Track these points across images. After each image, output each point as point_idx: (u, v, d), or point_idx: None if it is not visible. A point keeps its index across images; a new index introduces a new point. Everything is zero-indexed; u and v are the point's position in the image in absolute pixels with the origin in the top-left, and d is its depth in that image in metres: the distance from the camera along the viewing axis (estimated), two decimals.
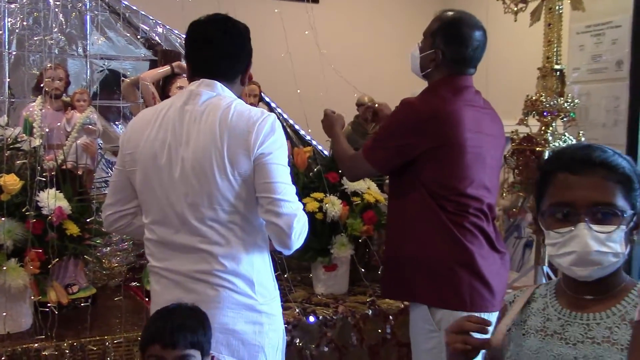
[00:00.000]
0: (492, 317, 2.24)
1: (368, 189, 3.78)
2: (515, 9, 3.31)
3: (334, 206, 3.71)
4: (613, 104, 3.27)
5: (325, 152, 4.32)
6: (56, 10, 3.84)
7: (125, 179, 2.05)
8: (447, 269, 2.21)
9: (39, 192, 2.97)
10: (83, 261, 3.34)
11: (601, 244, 1.26)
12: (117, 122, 4.19)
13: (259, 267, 1.98)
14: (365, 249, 3.93)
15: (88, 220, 3.04)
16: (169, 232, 1.95)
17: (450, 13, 2.30)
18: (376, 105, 2.90)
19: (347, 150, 2.50)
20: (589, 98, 3.35)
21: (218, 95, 1.97)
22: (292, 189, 1.95)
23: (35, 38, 3.93)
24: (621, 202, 1.28)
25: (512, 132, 3.15)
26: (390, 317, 3.37)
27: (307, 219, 1.96)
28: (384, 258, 2.44)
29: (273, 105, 4.45)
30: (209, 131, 1.89)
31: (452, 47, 2.27)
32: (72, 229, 3.05)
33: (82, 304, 3.20)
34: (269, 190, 1.89)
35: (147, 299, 3.43)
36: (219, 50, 1.99)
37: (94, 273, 3.73)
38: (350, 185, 3.70)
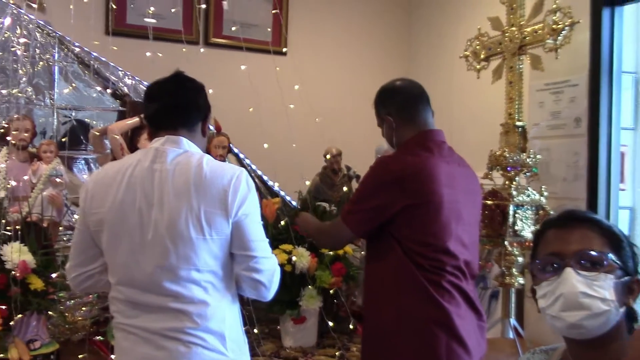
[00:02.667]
0: None
1: None
2: (478, 67, 3.42)
3: (303, 258, 3.73)
4: (572, 159, 3.37)
5: (294, 203, 4.35)
6: (25, 59, 3.82)
7: (89, 239, 2.01)
8: (425, 330, 2.20)
9: (2, 246, 2.92)
10: (46, 316, 3.25)
11: (588, 287, 1.27)
12: (84, 174, 4.15)
13: (230, 323, 1.96)
14: (334, 300, 3.92)
15: (53, 275, 2.97)
16: (138, 292, 1.91)
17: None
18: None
19: (323, 224, 2.52)
20: (549, 153, 3.45)
21: (185, 152, 1.96)
22: (267, 244, 1.97)
23: (1, 89, 3.90)
24: (608, 252, 1.31)
25: (480, 185, 3.21)
26: None
27: (280, 270, 2.00)
28: (364, 326, 2.40)
29: (242, 156, 4.48)
30: (182, 192, 1.88)
31: (391, 102, 2.31)
32: (37, 283, 2.99)
33: None
34: (250, 249, 1.90)
35: (112, 355, 3.36)
36: (174, 99, 2.01)
37: (56, 327, 3.64)
38: None
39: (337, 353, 3.43)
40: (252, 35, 5.18)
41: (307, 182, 4.25)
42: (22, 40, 3.83)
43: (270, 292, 1.95)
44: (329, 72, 5.64)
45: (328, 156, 4.60)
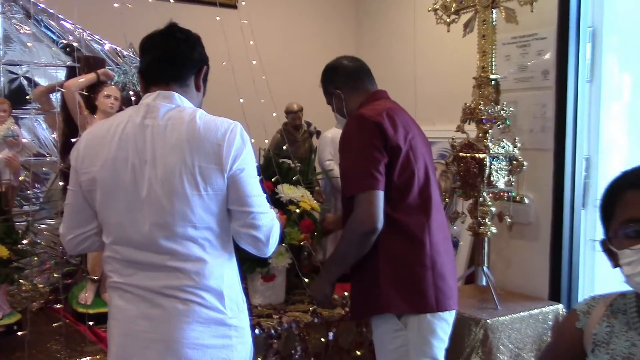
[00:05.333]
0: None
1: (302, 196, 3.76)
2: (448, 20, 3.41)
3: None
4: (540, 111, 3.45)
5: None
6: None
7: (82, 201, 1.93)
8: (412, 273, 2.29)
9: None
10: (9, 284, 3.08)
11: None
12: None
13: (228, 281, 1.94)
14: (298, 256, 3.92)
15: (24, 241, 2.80)
16: (134, 251, 1.86)
17: None
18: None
19: (345, 227, 2.37)
20: (516, 105, 3.52)
21: (177, 107, 1.89)
22: (265, 199, 1.95)
23: None
24: None
25: (452, 138, 3.25)
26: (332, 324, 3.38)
27: (279, 224, 1.99)
28: (352, 281, 2.46)
29: None
30: (175, 147, 1.81)
31: (337, 77, 2.58)
32: (1, 251, 2.82)
33: (16, 333, 2.95)
34: (247, 204, 1.88)
35: (77, 322, 3.24)
36: (165, 52, 1.94)
37: (13, 297, 3.46)
38: (285, 194, 3.67)
39: (310, 308, 3.43)
40: None
41: (266, 141, 4.17)
42: None
43: (269, 248, 1.95)
44: (283, 21, 5.57)
45: (293, 110, 4.51)
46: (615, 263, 1.38)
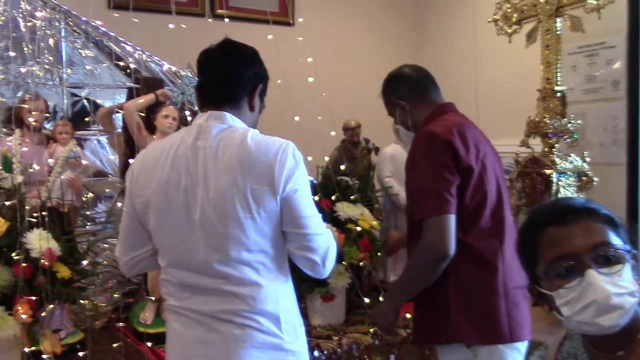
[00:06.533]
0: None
1: (361, 214, 3.69)
2: (509, 30, 3.30)
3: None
4: (610, 123, 3.30)
5: (311, 178, 4.23)
6: (31, 36, 3.64)
7: (136, 223, 1.91)
8: (484, 302, 2.15)
9: (25, 234, 2.77)
10: (72, 304, 3.13)
11: (616, 286, 1.20)
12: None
13: (284, 305, 1.88)
14: (369, 275, 3.85)
15: (84, 262, 2.83)
16: (189, 274, 1.83)
17: None
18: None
19: (411, 260, 2.25)
20: (585, 118, 3.37)
21: (229, 127, 1.85)
22: (320, 219, 1.88)
23: (13, 68, 3.73)
24: (615, 239, 1.26)
25: (516, 153, 3.13)
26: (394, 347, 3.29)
27: (336, 244, 1.91)
28: (417, 305, 2.33)
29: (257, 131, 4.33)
30: (227, 169, 1.77)
31: (401, 87, 2.39)
32: (64, 271, 2.86)
33: (79, 352, 2.98)
34: (301, 226, 1.81)
35: (138, 341, 3.25)
36: (216, 75, 1.90)
37: (77, 315, 3.52)
38: (343, 212, 3.61)
39: (371, 329, 3.34)
40: (259, 6, 5.04)
41: (326, 158, 4.13)
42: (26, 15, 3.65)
43: (326, 270, 1.88)
44: (340, 38, 5.56)
45: (350, 126, 4.47)
46: (550, 306, 1.28)
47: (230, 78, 1.90)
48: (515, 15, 3.27)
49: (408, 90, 2.38)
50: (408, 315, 3.22)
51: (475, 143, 2.18)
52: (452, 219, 2.07)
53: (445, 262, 2.10)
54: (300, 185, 1.82)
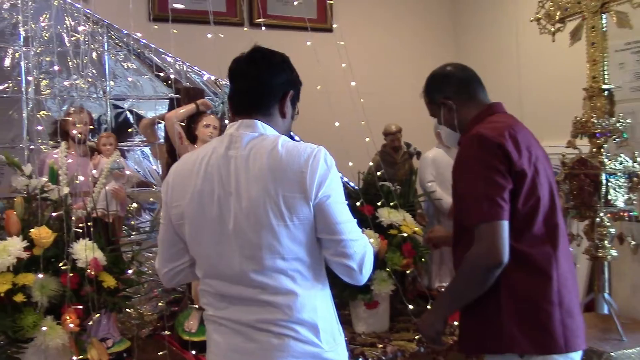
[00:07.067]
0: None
1: (403, 220, 3.64)
2: (553, 29, 3.22)
3: (373, 241, 3.58)
4: None
5: (352, 184, 4.20)
6: (75, 50, 3.73)
7: (173, 234, 1.92)
8: (538, 311, 2.08)
9: (72, 244, 2.81)
10: (117, 313, 3.17)
11: None
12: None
13: (322, 313, 1.86)
14: (413, 282, 3.80)
15: (129, 271, 2.87)
16: (225, 285, 1.83)
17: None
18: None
19: (462, 268, 2.15)
20: (634, 117, 3.25)
21: (261, 135, 1.84)
22: (355, 225, 1.85)
23: (58, 82, 3.83)
24: None
25: (562, 155, 3.04)
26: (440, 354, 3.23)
27: (372, 250, 1.88)
28: (465, 313, 2.26)
29: (297, 138, 4.33)
30: (258, 178, 1.76)
31: (447, 86, 2.30)
32: (109, 281, 2.89)
33: None
34: (335, 233, 1.79)
35: (183, 349, 3.27)
36: (246, 83, 1.89)
37: (123, 324, 3.57)
38: (386, 218, 3.57)
39: (416, 337, 3.29)
40: (297, 13, 5.07)
41: (371, 163, 4.09)
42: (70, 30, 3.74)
43: (363, 276, 1.85)
44: (379, 43, 5.52)
45: (391, 131, 4.43)
46: None
47: (260, 85, 1.89)
48: (558, 13, 3.19)
49: (455, 89, 2.30)
50: (455, 322, 3.16)
51: (527, 146, 2.10)
52: (505, 226, 2.00)
53: (498, 270, 2.03)
54: (333, 190, 1.79)
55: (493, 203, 1.99)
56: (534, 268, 2.07)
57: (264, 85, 1.89)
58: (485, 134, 2.07)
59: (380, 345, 3.25)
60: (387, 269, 3.58)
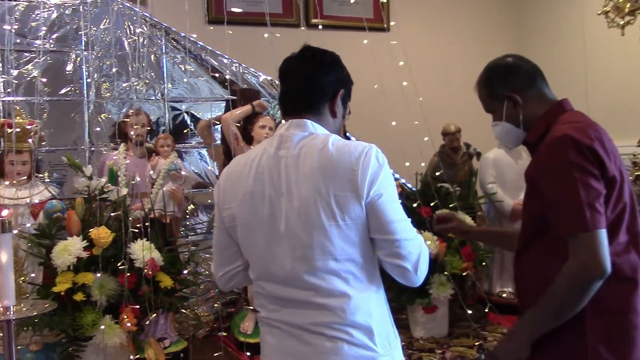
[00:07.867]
0: None
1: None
2: (622, 22, 3.07)
3: (431, 243, 3.50)
4: None
5: (409, 186, 4.12)
6: (134, 53, 3.79)
7: (227, 237, 1.90)
8: (625, 323, 1.95)
9: (130, 244, 2.85)
10: (174, 313, 3.19)
11: None
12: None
13: (377, 316, 1.80)
14: (472, 286, 3.71)
15: (185, 272, 2.88)
16: (278, 287, 1.79)
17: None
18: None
19: (554, 285, 1.93)
20: None
21: (311, 134, 1.80)
22: (409, 224, 1.78)
23: (117, 85, 3.91)
24: None
25: (633, 154, 2.89)
26: None
27: (427, 250, 1.81)
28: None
29: (353, 138, 4.28)
30: (309, 177, 1.72)
31: (514, 78, 2.10)
32: (166, 281, 2.92)
33: None
34: (389, 232, 1.73)
35: (239, 350, 3.27)
36: (296, 81, 1.85)
37: (180, 324, 3.59)
38: None
39: (476, 343, 3.19)
40: (353, 13, 5.04)
41: (423, 164, 4.01)
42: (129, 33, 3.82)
43: (418, 277, 1.76)
44: (435, 42, 5.46)
45: (450, 131, 4.33)
46: None
47: (310, 85, 1.85)
48: (628, 5, 3.04)
49: (522, 83, 2.11)
50: None
51: (612, 149, 1.97)
52: (605, 234, 1.87)
53: (600, 282, 1.90)
54: (385, 189, 1.74)
55: (594, 211, 1.86)
56: (621, 277, 1.93)
57: (314, 84, 1.85)
58: (575, 136, 1.93)
59: (439, 351, 3.18)
60: (446, 273, 3.50)
